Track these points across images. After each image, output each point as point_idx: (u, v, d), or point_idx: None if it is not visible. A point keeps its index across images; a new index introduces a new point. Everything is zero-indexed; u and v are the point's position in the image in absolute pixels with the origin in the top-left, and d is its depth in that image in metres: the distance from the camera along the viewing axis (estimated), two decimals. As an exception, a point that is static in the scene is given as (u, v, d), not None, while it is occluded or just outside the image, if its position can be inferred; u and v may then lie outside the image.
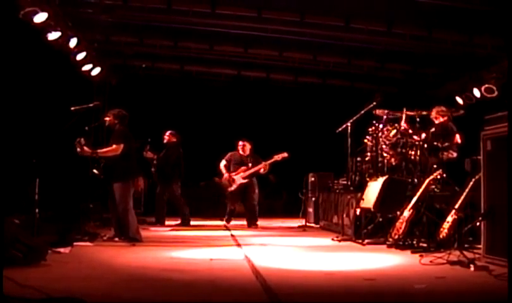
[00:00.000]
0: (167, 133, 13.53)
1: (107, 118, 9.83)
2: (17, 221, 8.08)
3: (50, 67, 12.51)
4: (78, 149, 9.20)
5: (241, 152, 13.59)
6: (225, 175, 13.45)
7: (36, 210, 8.49)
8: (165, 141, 13.55)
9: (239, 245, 9.39)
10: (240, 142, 13.61)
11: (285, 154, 13.34)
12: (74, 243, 8.62)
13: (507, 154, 6.19)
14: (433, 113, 11.10)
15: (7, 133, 9.39)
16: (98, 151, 9.49)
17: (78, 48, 12.70)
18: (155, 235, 10.85)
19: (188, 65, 16.15)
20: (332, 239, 10.22)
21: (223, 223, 13.71)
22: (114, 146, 9.42)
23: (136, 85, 16.16)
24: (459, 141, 11.09)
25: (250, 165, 13.36)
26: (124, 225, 9.36)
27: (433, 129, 10.68)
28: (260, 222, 13.42)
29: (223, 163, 13.60)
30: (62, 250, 7.91)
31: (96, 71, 14.42)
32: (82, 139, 9.22)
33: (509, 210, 6.00)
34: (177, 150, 13.43)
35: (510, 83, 6.16)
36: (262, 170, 13.41)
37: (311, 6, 11.60)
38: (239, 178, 13.28)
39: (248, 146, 13.60)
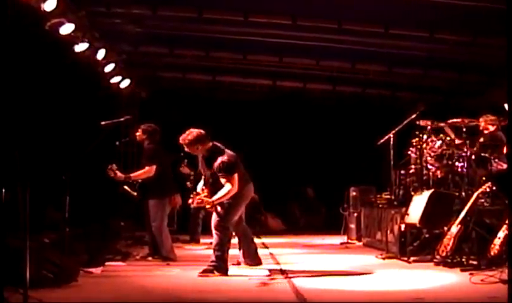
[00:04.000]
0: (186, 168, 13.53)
1: (137, 134, 9.89)
2: (47, 241, 8.17)
3: (78, 80, 12.65)
4: (111, 175, 9.24)
5: None
6: None
7: (67, 228, 8.55)
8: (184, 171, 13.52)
9: (278, 263, 9.39)
10: None
11: None
12: (106, 263, 8.69)
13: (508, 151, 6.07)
14: (481, 123, 10.98)
15: (36, 149, 9.49)
16: (132, 175, 9.54)
17: (106, 59, 12.84)
18: (189, 254, 10.88)
19: (221, 76, 16.22)
20: (376, 257, 10.13)
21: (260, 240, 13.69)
22: (146, 168, 9.48)
23: (168, 98, 16.28)
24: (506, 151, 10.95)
25: None
26: (158, 243, 9.41)
27: (481, 139, 10.58)
28: (299, 239, 13.36)
29: None
30: (93, 270, 7.98)
31: (125, 83, 14.56)
32: (114, 165, 9.27)
33: (510, 210, 5.88)
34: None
35: (510, 83, 6.06)
36: None
37: (349, 13, 11.57)
38: None
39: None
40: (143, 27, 12.18)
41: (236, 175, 7.90)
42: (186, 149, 8.22)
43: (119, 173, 9.30)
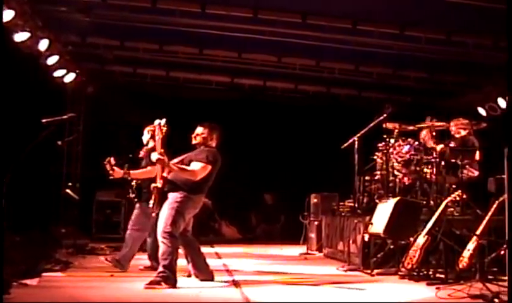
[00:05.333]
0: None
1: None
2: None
3: (17, 73, 12.41)
4: (108, 169, 8.94)
5: None
6: None
7: (3, 236, 8.36)
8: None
9: (231, 274, 9.34)
10: None
11: None
12: (44, 274, 8.52)
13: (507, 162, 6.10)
14: (452, 127, 11.06)
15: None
16: (133, 172, 9.28)
17: (50, 51, 12.67)
18: (137, 264, 10.71)
19: (175, 72, 16.15)
20: (337, 269, 10.13)
21: (213, 250, 13.62)
22: (149, 168, 9.21)
23: (117, 94, 16.13)
24: (478, 158, 11.03)
25: None
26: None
27: (452, 144, 10.64)
28: (255, 249, 13.32)
29: None
30: (29, 282, 7.80)
31: (70, 77, 14.39)
32: (112, 159, 8.97)
33: (509, 209, 5.92)
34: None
35: (510, 84, 6.11)
36: None
37: (314, 6, 11.63)
38: None
39: None
40: (92, 16, 12.03)
41: (209, 168, 8.08)
42: (202, 131, 8.44)
43: (116, 169, 9.03)
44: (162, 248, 7.85)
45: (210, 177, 8.23)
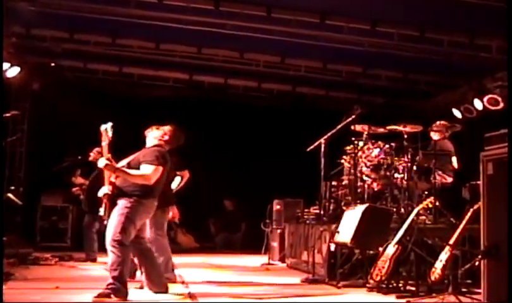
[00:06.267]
0: (95, 150, 13.21)
1: None
2: None
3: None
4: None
5: None
6: None
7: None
8: (91, 159, 13.17)
9: (187, 286, 9.31)
10: None
11: None
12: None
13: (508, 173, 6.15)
14: (426, 129, 11.13)
15: None
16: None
17: (-10, 43, 12.49)
18: (85, 275, 10.69)
19: (129, 67, 16.07)
20: (301, 281, 10.12)
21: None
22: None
23: (66, 91, 15.98)
24: (454, 164, 11.12)
25: None
26: None
27: (428, 148, 10.71)
28: (214, 259, 13.29)
29: None
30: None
31: (13, 71, 14.22)
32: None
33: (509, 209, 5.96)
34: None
35: (510, 83, 6.19)
36: None
37: (280, -1, 11.63)
38: None
39: None
40: (38, 5, 11.88)
41: (161, 169, 8.02)
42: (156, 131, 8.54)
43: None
44: (111, 258, 7.77)
45: (161, 179, 8.18)
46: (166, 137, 8.55)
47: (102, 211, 7.96)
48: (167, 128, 8.78)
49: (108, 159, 7.80)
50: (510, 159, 6.08)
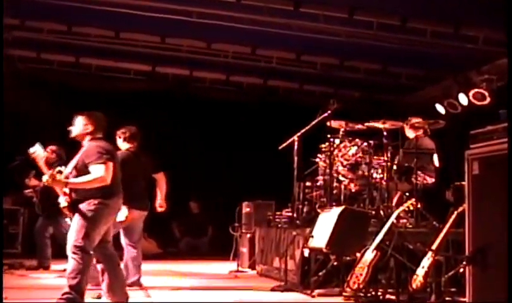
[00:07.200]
0: (48, 149, 13.10)
1: None
2: None
3: None
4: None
5: None
6: None
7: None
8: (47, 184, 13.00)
9: (148, 296, 9.28)
10: None
11: None
12: None
13: (508, 173, 6.13)
14: (405, 126, 11.14)
15: None
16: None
17: None
18: (36, 284, 10.63)
19: (86, 58, 15.98)
20: (272, 289, 10.08)
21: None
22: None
23: (17, 82, 15.82)
24: (436, 163, 11.14)
25: None
26: None
27: (405, 146, 10.72)
28: (178, 265, 13.24)
29: None
30: None
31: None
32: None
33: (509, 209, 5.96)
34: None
35: (510, 84, 6.19)
36: None
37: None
38: None
39: None
40: (-17, -12, 11.77)
41: (111, 165, 7.81)
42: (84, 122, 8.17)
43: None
44: (71, 265, 7.65)
45: (117, 174, 8.04)
46: (90, 128, 8.32)
47: (68, 221, 7.89)
48: (82, 118, 8.59)
49: (51, 176, 7.66)
50: (510, 157, 6.06)
